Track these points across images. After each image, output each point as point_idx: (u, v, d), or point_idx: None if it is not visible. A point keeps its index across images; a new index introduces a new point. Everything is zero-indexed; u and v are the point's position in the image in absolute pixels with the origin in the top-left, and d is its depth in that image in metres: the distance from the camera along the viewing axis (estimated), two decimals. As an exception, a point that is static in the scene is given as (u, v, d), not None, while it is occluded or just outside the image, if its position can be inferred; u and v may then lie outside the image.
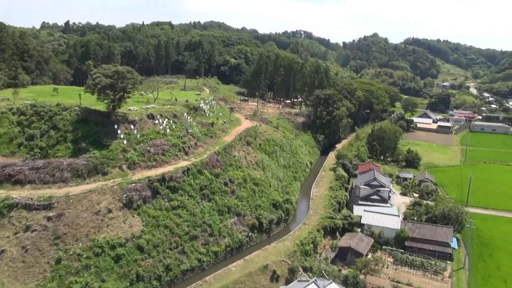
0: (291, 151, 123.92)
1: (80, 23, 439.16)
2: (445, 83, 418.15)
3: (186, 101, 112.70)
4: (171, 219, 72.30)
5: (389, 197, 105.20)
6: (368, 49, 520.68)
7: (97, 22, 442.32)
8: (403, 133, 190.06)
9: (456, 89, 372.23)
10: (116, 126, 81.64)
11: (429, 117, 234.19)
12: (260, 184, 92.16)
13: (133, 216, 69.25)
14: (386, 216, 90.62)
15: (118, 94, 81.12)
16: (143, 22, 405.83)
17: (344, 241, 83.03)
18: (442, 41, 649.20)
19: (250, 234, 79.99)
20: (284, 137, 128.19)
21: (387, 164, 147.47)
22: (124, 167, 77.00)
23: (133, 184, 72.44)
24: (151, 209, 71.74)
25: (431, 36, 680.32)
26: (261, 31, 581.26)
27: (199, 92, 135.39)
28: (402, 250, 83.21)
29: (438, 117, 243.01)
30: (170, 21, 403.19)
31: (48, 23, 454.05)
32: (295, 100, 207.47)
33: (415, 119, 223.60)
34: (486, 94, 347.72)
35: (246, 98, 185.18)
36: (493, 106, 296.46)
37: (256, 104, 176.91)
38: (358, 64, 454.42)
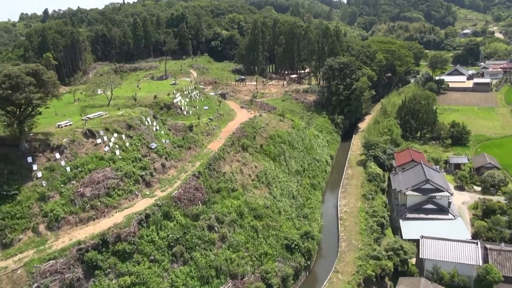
0: (305, 146, 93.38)
1: (60, 9, 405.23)
2: (466, 31, 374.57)
3: (155, 97, 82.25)
4: (121, 311, 43.75)
5: (449, 203, 74.76)
6: (376, 3, 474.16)
7: (78, 7, 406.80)
8: (436, 98, 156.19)
9: (479, 36, 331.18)
10: (30, 159, 52.23)
11: (461, 74, 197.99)
12: (265, 215, 62.34)
13: (51, 322, 40.80)
14: (458, 245, 60.39)
15: (24, 110, 51.04)
16: (123, 0, 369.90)
17: (402, 297, 53.72)
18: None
19: (254, 307, 51.05)
20: (293, 128, 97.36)
21: (426, 143, 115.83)
22: (41, 228, 47.99)
23: (51, 262, 43.52)
24: (85, 300, 43.15)
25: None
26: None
27: (175, 81, 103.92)
28: (493, 302, 53.75)
29: (471, 72, 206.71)
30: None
31: (26, 13, 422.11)
32: (302, 72, 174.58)
33: (446, 78, 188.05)
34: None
35: (243, 77, 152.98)
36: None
37: (255, 83, 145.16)
38: (366, 20, 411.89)
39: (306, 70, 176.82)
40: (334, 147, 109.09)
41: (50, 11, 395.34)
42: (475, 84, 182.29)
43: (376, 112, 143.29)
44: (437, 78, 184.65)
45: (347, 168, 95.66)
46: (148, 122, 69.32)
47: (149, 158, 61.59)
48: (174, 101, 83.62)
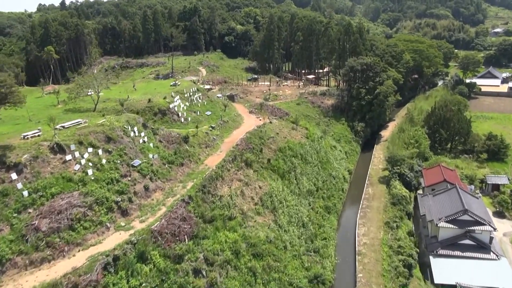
0: (319, 160, 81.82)
1: (77, 1, 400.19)
2: (497, 29, 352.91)
3: (149, 101, 71.99)
4: None
5: (491, 239, 62.38)
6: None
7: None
8: (468, 104, 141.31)
9: (511, 35, 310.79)
10: (-22, 181, 42.68)
11: (495, 77, 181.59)
12: (266, 253, 51.24)
13: None
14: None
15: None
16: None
17: None
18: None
19: None
20: (307, 138, 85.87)
21: (458, 157, 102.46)
22: (-19, 272, 38.33)
23: (-19, 324, 33.83)
24: None
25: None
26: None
27: (175, 82, 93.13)
28: None
29: (505, 74, 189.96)
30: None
31: (44, 5, 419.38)
32: (320, 71, 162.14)
33: (478, 81, 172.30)
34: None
35: (256, 76, 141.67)
36: None
37: (268, 83, 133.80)
38: (390, 16, 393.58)
39: (325, 70, 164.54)
40: (353, 160, 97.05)
41: (67, 2, 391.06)
42: (511, 88, 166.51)
43: (400, 118, 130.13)
44: (468, 81, 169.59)
45: (367, 185, 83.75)
46: (134, 132, 59.04)
47: (130, 178, 51.27)
48: (171, 105, 73.16)
